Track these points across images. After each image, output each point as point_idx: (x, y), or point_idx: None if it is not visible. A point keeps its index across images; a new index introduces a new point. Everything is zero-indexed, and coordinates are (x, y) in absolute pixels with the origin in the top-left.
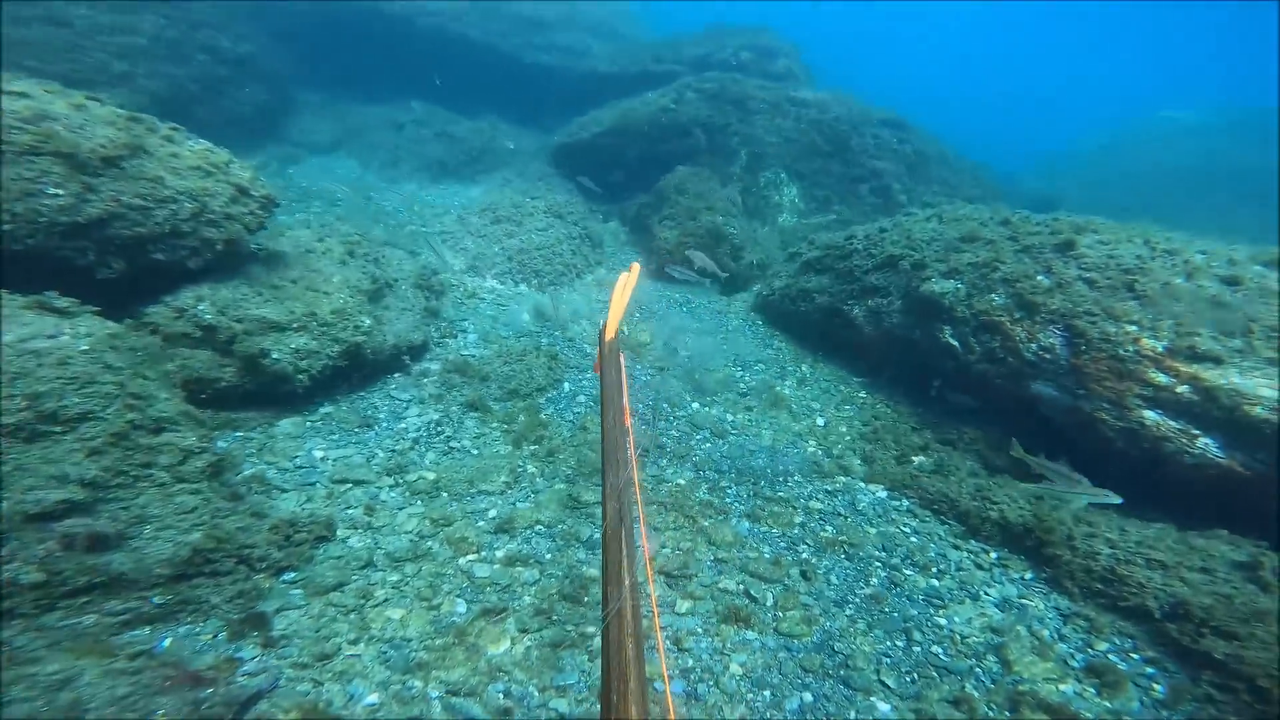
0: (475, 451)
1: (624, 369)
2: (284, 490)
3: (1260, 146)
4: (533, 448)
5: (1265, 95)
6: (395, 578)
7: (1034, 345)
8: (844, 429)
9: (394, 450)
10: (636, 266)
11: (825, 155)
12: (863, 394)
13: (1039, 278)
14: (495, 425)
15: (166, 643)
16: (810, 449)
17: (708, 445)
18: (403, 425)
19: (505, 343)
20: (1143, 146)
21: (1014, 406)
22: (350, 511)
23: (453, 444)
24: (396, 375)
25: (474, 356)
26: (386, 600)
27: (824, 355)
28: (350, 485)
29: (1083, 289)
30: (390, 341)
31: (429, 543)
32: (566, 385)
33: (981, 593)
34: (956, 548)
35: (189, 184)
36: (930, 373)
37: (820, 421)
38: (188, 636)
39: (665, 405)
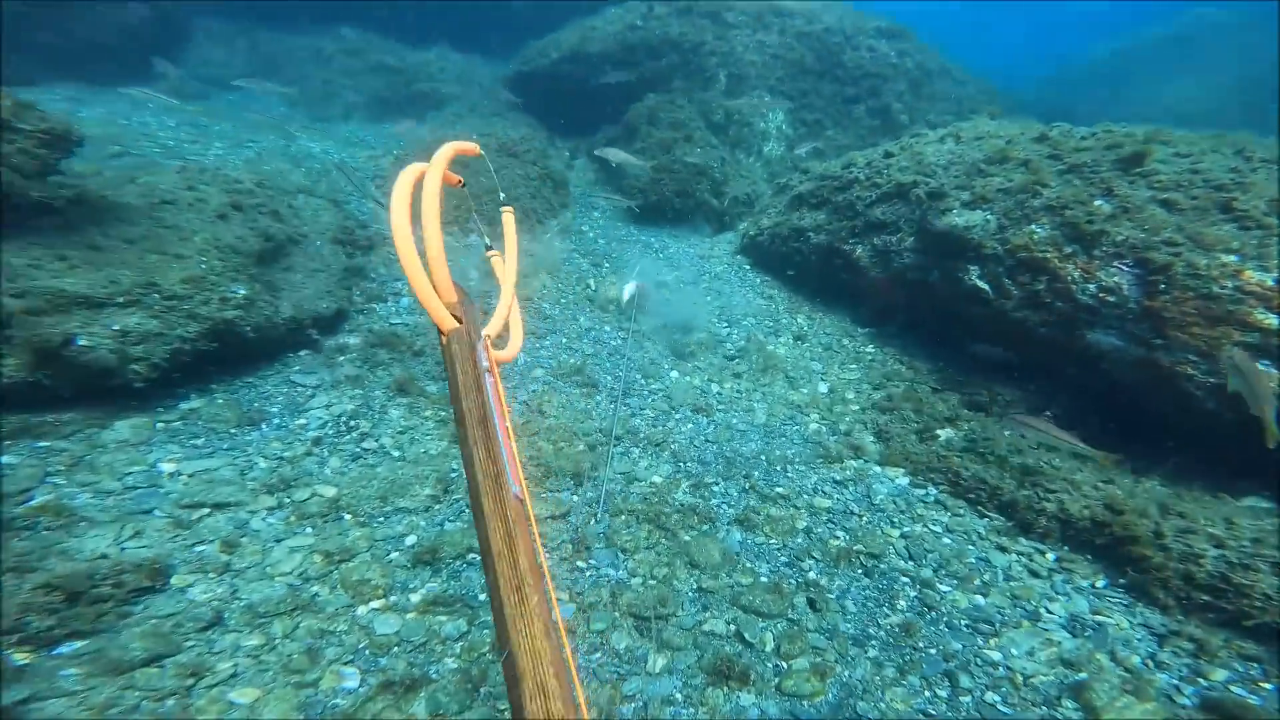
0: (397, 453)
1: (493, 370)
2: (96, 523)
3: None
4: None
5: None
6: (254, 642)
7: (1092, 286)
8: (851, 396)
9: (282, 457)
10: (451, 147)
11: (815, 74)
12: (871, 349)
13: (1096, 202)
14: (428, 413)
15: None
16: (813, 425)
17: (689, 427)
18: (302, 421)
19: None
20: (1164, 49)
21: (1062, 360)
22: (201, 549)
23: (367, 444)
24: (304, 353)
25: (406, 325)
26: (234, 676)
27: (823, 303)
28: (208, 511)
29: (1159, 213)
30: (287, 313)
31: (315, 587)
32: (521, 356)
33: (1042, 610)
34: (1003, 549)
35: None
36: (953, 321)
37: (823, 388)
38: None
39: (638, 376)
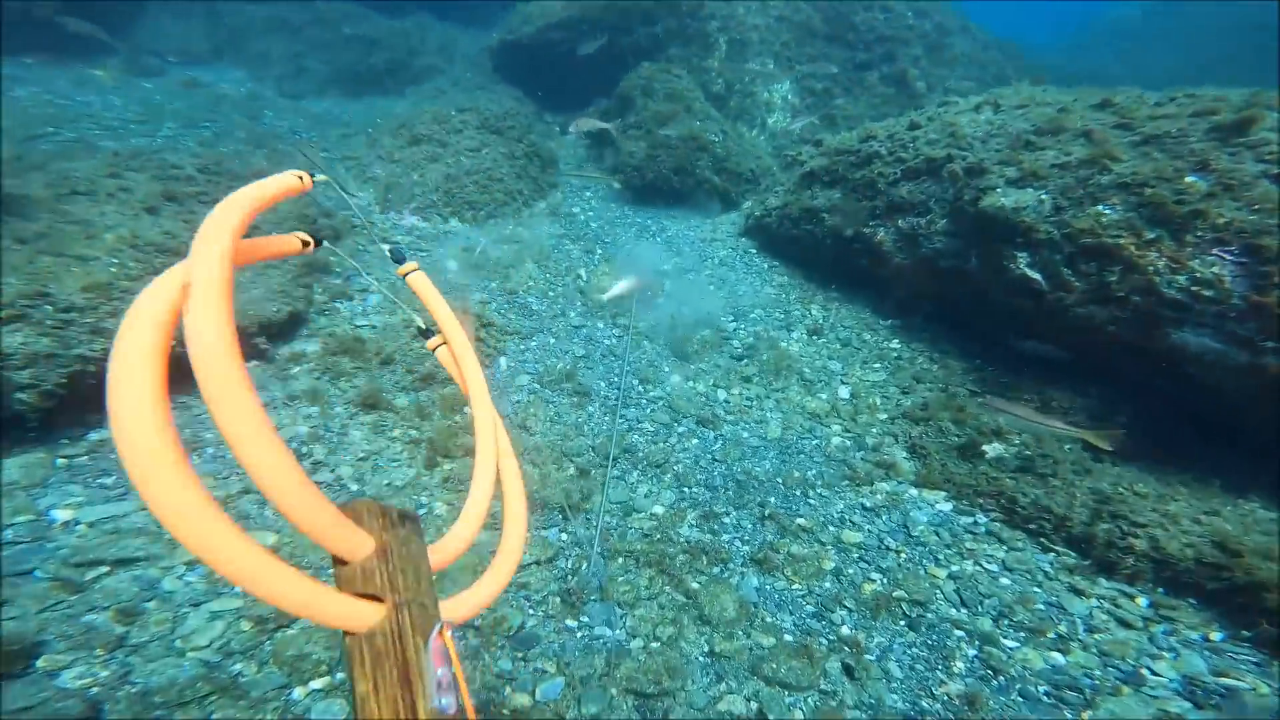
0: (355, 485)
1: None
2: None
3: None
4: (450, 466)
5: None
6: None
7: (1182, 277)
8: (878, 400)
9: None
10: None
11: (825, 38)
12: (896, 344)
13: (1189, 179)
14: (396, 433)
15: None
16: (835, 439)
17: (694, 443)
18: None
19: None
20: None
21: (1135, 363)
22: (89, 618)
23: (321, 475)
24: (251, 364)
25: (374, 328)
26: None
27: (839, 292)
28: (107, 569)
29: (1274, 191)
30: None
31: (238, 665)
32: (504, 361)
33: (1144, 670)
34: (1079, 593)
35: None
36: (994, 314)
37: (844, 392)
38: None
39: (635, 382)
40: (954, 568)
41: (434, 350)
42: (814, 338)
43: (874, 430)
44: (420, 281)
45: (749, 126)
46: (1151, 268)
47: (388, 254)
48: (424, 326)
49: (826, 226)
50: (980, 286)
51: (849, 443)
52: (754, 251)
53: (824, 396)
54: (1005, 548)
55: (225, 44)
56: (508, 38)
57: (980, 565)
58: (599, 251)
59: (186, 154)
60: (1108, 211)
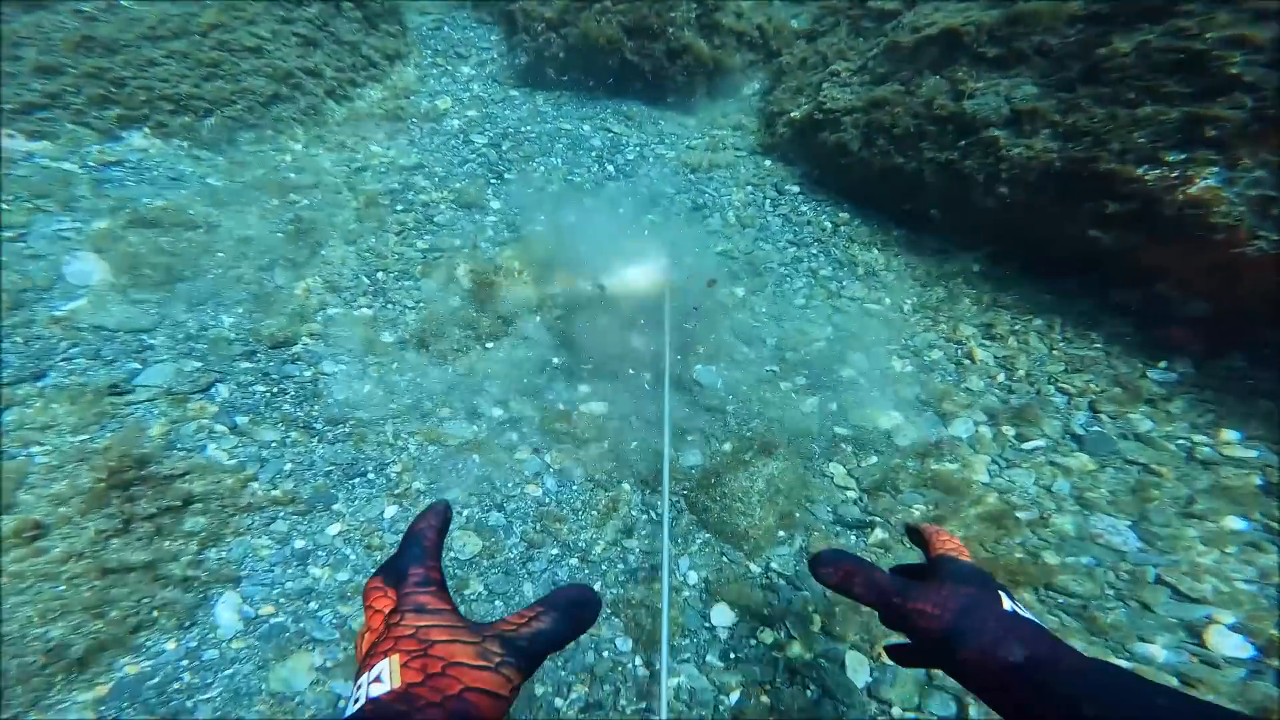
0: None
1: None
2: None
3: None
4: None
5: None
6: None
7: None
8: None
9: None
10: None
11: None
12: (1242, 454)
13: None
14: None
15: None
16: None
17: None
18: None
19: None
20: None
21: None
22: None
23: None
24: None
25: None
26: None
27: (1013, 290)
28: None
29: None
30: None
31: None
32: (225, 619)
33: None
34: None
35: None
36: None
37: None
38: None
39: (639, 673)
40: None
41: None
42: (1013, 437)
43: None
44: None
45: None
46: None
47: None
48: None
49: (1008, 160)
50: None
51: None
52: (797, 191)
53: None
54: None
55: None
56: None
57: None
58: (496, 203)
59: None
60: None
